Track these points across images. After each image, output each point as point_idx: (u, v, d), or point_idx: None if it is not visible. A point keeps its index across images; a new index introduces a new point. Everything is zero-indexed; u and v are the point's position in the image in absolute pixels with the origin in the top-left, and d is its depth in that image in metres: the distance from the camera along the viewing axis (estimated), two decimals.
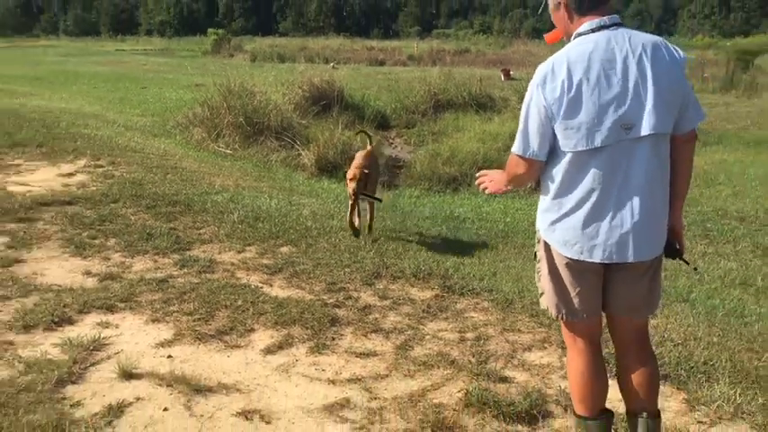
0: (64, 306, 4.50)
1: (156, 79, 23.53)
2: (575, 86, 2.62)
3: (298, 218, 6.96)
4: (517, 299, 5.05)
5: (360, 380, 3.81)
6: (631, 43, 2.66)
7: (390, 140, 15.91)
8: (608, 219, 2.71)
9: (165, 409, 3.42)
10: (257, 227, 6.52)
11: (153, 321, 4.42)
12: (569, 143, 2.67)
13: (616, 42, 2.67)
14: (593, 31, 2.72)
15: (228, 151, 12.27)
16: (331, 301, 4.86)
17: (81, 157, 9.05)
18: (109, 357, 3.90)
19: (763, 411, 3.53)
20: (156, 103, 17.26)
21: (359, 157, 7.07)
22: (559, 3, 2.82)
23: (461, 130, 15.41)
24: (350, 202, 6.64)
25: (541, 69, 2.72)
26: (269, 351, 4.10)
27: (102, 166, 8.60)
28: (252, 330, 4.36)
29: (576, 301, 2.87)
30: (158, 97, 18.33)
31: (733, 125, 16.49)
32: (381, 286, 5.24)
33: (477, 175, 3.26)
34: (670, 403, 3.65)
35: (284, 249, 5.98)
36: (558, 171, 2.75)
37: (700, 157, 13.02)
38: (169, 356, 3.97)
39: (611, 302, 2.91)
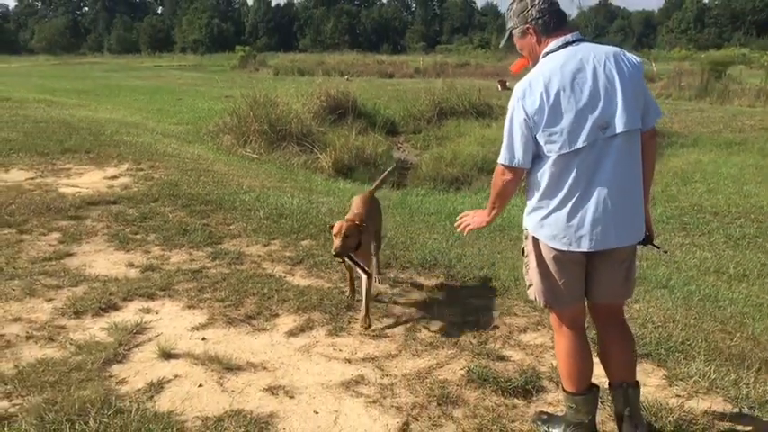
0: (110, 294, 4.53)
1: (190, 92, 23.59)
2: (552, 96, 2.66)
3: (317, 215, 6.96)
4: (513, 286, 5.03)
5: (373, 359, 3.81)
6: (596, 54, 2.73)
7: (399, 145, 15.90)
8: (591, 211, 2.72)
9: (200, 386, 3.44)
10: (281, 223, 6.53)
11: (189, 307, 4.44)
12: (553, 147, 2.69)
13: (583, 55, 2.73)
14: (560, 48, 2.78)
15: (255, 155, 12.29)
16: (347, 288, 4.87)
17: (124, 161, 9.09)
18: (150, 340, 3.93)
19: (735, 386, 3.51)
20: (189, 113, 17.30)
21: (356, 203, 4.95)
22: (527, 29, 2.86)
23: (463, 135, 15.39)
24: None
25: (520, 86, 2.75)
26: (292, 333, 4.11)
27: (142, 170, 8.63)
28: (276, 315, 4.37)
29: (562, 290, 2.87)
30: (192, 108, 18.36)
31: (707, 129, 16.36)
32: (392, 275, 5.24)
33: (458, 218, 3.22)
34: (651, 379, 3.64)
35: (305, 243, 5.98)
36: (544, 173, 2.75)
37: (677, 157, 12.98)
38: (203, 339, 3.99)
39: (593, 290, 2.91)
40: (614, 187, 2.71)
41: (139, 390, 3.35)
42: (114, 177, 8.18)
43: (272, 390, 3.42)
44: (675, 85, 24.93)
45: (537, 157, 2.77)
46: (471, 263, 5.61)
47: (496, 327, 4.30)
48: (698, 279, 6.27)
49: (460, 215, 3.21)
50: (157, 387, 3.39)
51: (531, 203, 2.86)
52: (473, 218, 3.12)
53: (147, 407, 3.18)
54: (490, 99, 18.78)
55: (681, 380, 3.61)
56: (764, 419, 3.26)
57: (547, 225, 2.78)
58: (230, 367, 3.63)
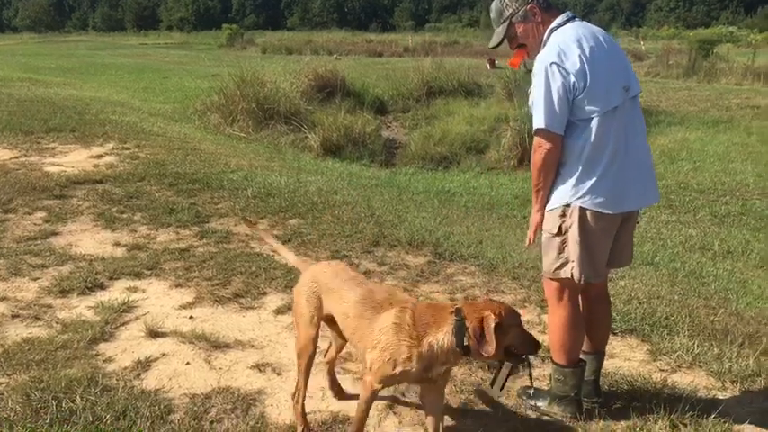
0: (96, 273, 4.51)
1: (176, 70, 23.33)
2: (589, 58, 2.70)
3: (305, 193, 6.94)
4: (500, 263, 5.06)
5: None
6: (594, 28, 2.85)
7: (388, 124, 15.83)
8: (633, 170, 2.82)
9: (188, 363, 3.44)
10: (269, 202, 6.51)
11: (176, 286, 4.43)
12: (595, 109, 2.72)
13: (587, 27, 2.83)
14: (566, 22, 2.83)
15: (242, 135, 12.21)
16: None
17: (109, 140, 9.00)
18: (137, 318, 3.92)
19: (718, 360, 3.55)
20: (176, 91, 17.12)
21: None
22: (530, 9, 2.86)
23: (451, 114, 15.33)
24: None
25: (552, 51, 2.72)
26: (280, 311, 4.11)
27: (128, 149, 8.55)
28: (264, 293, 4.37)
29: (602, 260, 2.90)
30: (178, 86, 18.18)
31: (694, 107, 16.40)
32: (380, 254, 5.24)
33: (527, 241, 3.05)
34: (635, 353, 3.68)
35: (293, 221, 5.97)
36: (587, 139, 2.74)
37: (664, 136, 13.00)
38: (191, 317, 3.98)
39: (616, 255, 2.97)
40: (642, 146, 2.90)
41: (126, 368, 3.35)
42: (100, 156, 8.10)
43: (259, 367, 3.43)
44: (663, 64, 24.93)
45: (572, 124, 2.76)
46: (459, 241, 5.62)
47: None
48: (683, 256, 6.32)
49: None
50: (144, 365, 3.39)
51: (572, 174, 2.79)
52: (530, 225, 2.99)
53: (134, 384, 3.18)
54: (479, 78, 18.70)
55: (665, 354, 3.65)
56: (746, 393, 3.30)
57: (597, 190, 2.76)
58: (218, 345, 3.63)
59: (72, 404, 2.93)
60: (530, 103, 2.87)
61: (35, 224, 5.51)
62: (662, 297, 4.53)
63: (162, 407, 2.99)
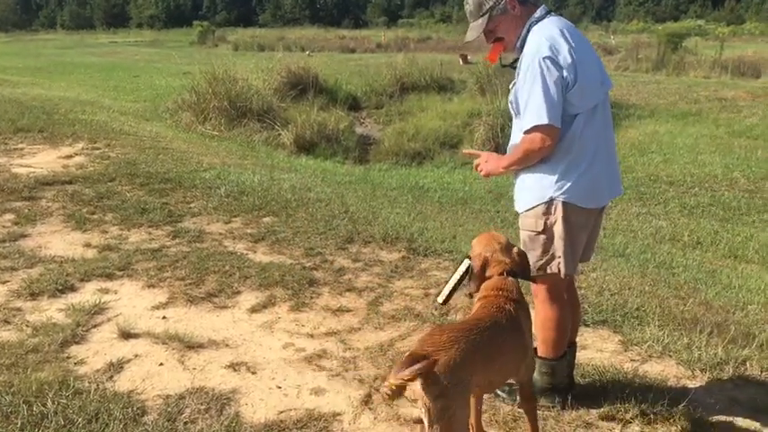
0: (66, 275, 4.45)
1: (147, 68, 23.09)
2: (577, 51, 2.70)
3: (279, 191, 6.91)
4: None
5: (335, 333, 3.82)
6: (569, 24, 2.85)
7: (361, 120, 15.83)
8: (609, 164, 2.88)
9: (161, 364, 3.41)
10: (242, 200, 6.47)
11: (149, 287, 4.39)
12: (582, 104, 2.72)
13: (563, 22, 2.83)
14: (543, 17, 2.83)
15: (215, 133, 12.12)
16: (309, 264, 4.86)
17: (79, 140, 8.87)
18: (109, 320, 3.87)
19: (687, 349, 3.61)
20: (147, 90, 16.94)
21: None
22: (506, 5, 2.81)
23: (425, 109, 15.38)
24: None
25: (543, 44, 2.68)
26: (254, 310, 4.09)
27: (98, 149, 8.44)
28: (238, 292, 4.35)
29: (581, 252, 2.93)
30: (149, 85, 17.99)
31: (664, 100, 16.62)
32: (354, 250, 5.25)
33: (476, 161, 3.04)
34: (607, 344, 3.72)
35: (267, 220, 5.95)
36: (575, 134, 2.74)
37: (634, 129, 13.17)
38: (164, 317, 3.95)
39: (587, 249, 3.02)
40: (613, 140, 2.95)
41: (98, 370, 3.31)
42: (69, 157, 7.99)
43: (234, 366, 3.41)
44: (633, 58, 25.21)
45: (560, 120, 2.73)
46: (433, 236, 5.64)
47: (457, 299, 4.33)
48: (653, 247, 6.41)
49: (477, 157, 3.06)
50: (117, 367, 3.36)
51: (556, 170, 2.76)
52: (487, 163, 2.98)
53: (107, 387, 3.15)
54: (452, 73, 18.77)
55: (636, 345, 3.71)
56: (715, 381, 3.36)
57: (580, 185, 2.75)
58: (192, 345, 3.60)
59: (43, 408, 2.90)
60: (510, 98, 2.84)
61: (3, 226, 5.42)
62: (633, 288, 4.59)
63: (135, 408, 2.97)
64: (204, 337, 3.72)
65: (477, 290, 2.66)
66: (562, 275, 2.87)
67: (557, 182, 2.76)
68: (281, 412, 3.01)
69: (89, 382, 3.16)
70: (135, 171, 7.26)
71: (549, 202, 2.79)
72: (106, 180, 6.88)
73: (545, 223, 2.82)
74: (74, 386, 3.09)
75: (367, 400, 3.13)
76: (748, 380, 3.37)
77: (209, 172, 7.66)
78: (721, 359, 3.52)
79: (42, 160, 7.76)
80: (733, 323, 4.05)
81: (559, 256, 2.84)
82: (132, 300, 4.18)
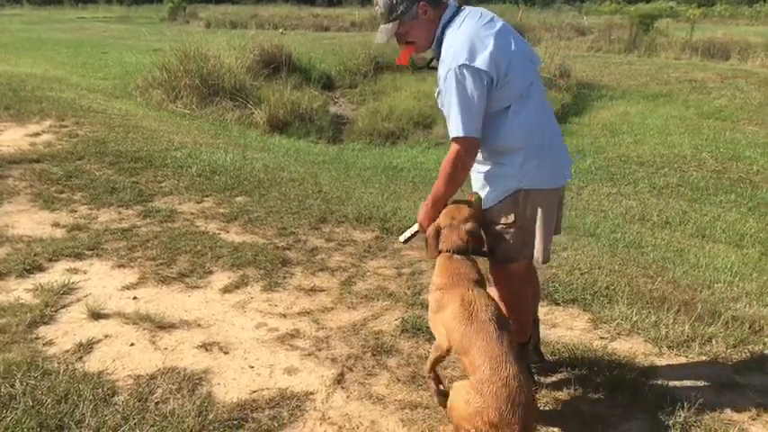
0: (34, 255, 4.37)
1: (116, 45, 22.60)
2: (498, 44, 2.63)
3: (251, 171, 6.85)
4: None
5: (308, 313, 3.82)
6: (481, 10, 2.81)
7: (335, 99, 15.70)
8: (557, 141, 2.85)
9: (132, 345, 3.38)
10: (214, 179, 6.40)
11: (119, 267, 4.33)
12: (517, 90, 2.66)
13: (476, 13, 2.78)
14: (455, 14, 2.77)
15: (186, 111, 11.93)
16: (282, 244, 4.84)
17: (47, 118, 8.68)
18: (78, 300, 3.82)
19: (655, 327, 3.68)
20: (116, 67, 16.60)
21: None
22: (420, 7, 2.74)
23: (399, 89, 15.30)
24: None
25: (459, 51, 2.60)
26: (226, 290, 4.07)
27: (66, 126, 8.26)
28: (210, 272, 4.32)
29: (552, 234, 2.93)
30: (118, 62, 17.62)
31: (635, 81, 16.76)
32: (327, 230, 5.23)
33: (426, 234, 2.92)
34: (577, 322, 3.77)
35: (239, 199, 5.89)
36: (514, 123, 2.66)
37: (606, 110, 13.28)
38: (134, 298, 3.91)
39: (556, 224, 3.01)
40: (552, 114, 2.92)
41: (68, 351, 3.27)
42: (36, 134, 7.81)
43: (206, 346, 3.40)
44: (606, 39, 25.33)
45: (502, 113, 2.67)
46: (406, 216, 5.64)
47: (430, 278, 4.35)
48: (623, 227, 6.49)
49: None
50: (87, 347, 3.32)
51: (515, 160, 2.70)
52: (423, 217, 2.92)
53: (77, 367, 3.11)
54: (426, 53, 18.71)
55: (605, 323, 3.76)
56: (682, 357, 3.43)
57: (541, 168, 2.71)
58: (163, 325, 3.57)
59: (11, 389, 2.86)
60: (439, 105, 2.76)
61: None
62: (603, 267, 4.65)
63: (105, 389, 2.94)
64: (176, 317, 3.69)
65: (434, 256, 2.81)
66: (541, 261, 2.86)
67: (519, 171, 2.70)
68: (254, 392, 3.00)
69: (58, 363, 3.12)
70: (104, 150, 7.14)
71: (516, 193, 2.74)
72: (75, 159, 6.75)
73: (515, 214, 2.77)
74: (43, 367, 3.05)
75: (339, 380, 3.14)
76: (714, 357, 3.44)
77: (181, 151, 7.56)
78: (688, 336, 3.59)
79: (9, 138, 7.58)
80: (700, 301, 4.12)
81: (533, 243, 2.83)
82: (102, 280, 4.13)
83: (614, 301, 4.01)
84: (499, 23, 2.74)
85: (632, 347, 3.50)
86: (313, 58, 17.33)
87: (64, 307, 3.74)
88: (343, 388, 3.08)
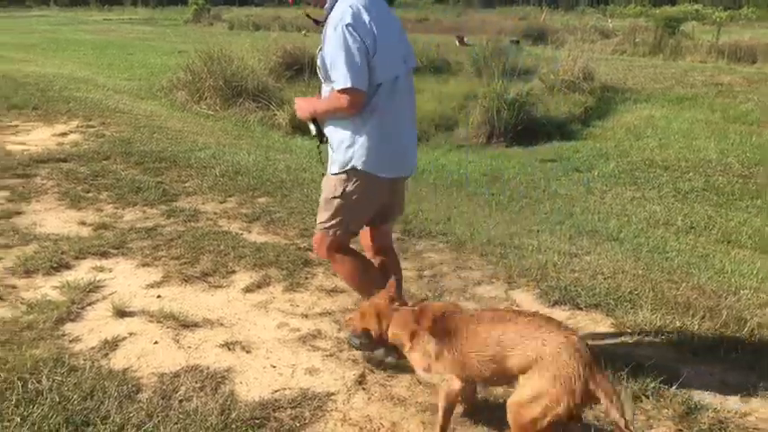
0: (61, 253, 4.44)
1: (142, 46, 22.86)
2: (377, 24, 2.84)
3: (274, 171, 6.89)
4: (468, 240, 5.09)
5: (329, 314, 3.83)
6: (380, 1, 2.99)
7: None
8: (407, 138, 3.08)
9: (156, 342, 3.42)
10: (237, 180, 6.45)
11: (143, 265, 4.38)
12: (382, 76, 2.86)
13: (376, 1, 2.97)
14: None
15: (210, 112, 12.04)
16: (304, 245, 4.86)
17: (74, 118, 8.82)
18: (104, 298, 3.87)
19: (680, 333, 3.63)
20: (141, 68, 16.80)
21: None
22: None
23: (420, 91, 15.21)
24: None
25: (345, 13, 2.80)
26: (249, 290, 4.10)
27: (93, 127, 8.39)
28: (233, 272, 4.35)
29: (367, 217, 3.17)
30: (144, 63, 17.83)
31: (660, 85, 16.58)
32: None
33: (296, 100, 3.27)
34: (600, 328, 3.74)
35: (261, 200, 5.93)
36: (375, 105, 2.89)
37: (630, 113, 13.16)
38: (158, 296, 3.95)
39: (387, 213, 3.27)
40: (412, 117, 3.14)
41: (93, 348, 3.32)
42: (64, 134, 7.94)
43: (228, 345, 3.42)
44: (630, 42, 25.09)
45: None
46: (428, 218, 5.64)
47: (451, 280, 4.36)
48: (647, 231, 6.42)
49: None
50: (112, 345, 3.36)
51: (358, 139, 2.92)
52: (299, 108, 3.19)
53: (102, 364, 3.16)
54: (448, 54, 18.66)
55: (628, 328, 3.72)
56: (707, 365, 3.39)
57: (381, 155, 2.94)
58: (186, 324, 3.61)
59: (38, 385, 2.90)
60: (318, 63, 2.95)
61: None
62: (626, 272, 4.61)
63: (130, 386, 2.98)
64: (199, 316, 3.72)
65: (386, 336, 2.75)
66: (344, 235, 3.14)
67: (359, 150, 2.93)
68: (276, 391, 3.02)
69: (84, 360, 3.17)
70: (130, 150, 7.23)
71: (351, 170, 2.97)
72: (101, 158, 6.85)
73: (343, 189, 3.02)
74: (69, 363, 3.10)
75: (361, 380, 3.15)
76: (739, 364, 3.39)
77: (205, 151, 7.63)
78: (713, 343, 3.54)
79: (37, 138, 7.72)
80: (725, 308, 4.06)
81: (345, 220, 3.06)
82: (127, 278, 4.18)
83: (638, 307, 3.97)
84: (384, 8, 2.98)
85: (656, 353, 3.46)
86: None
87: (90, 304, 3.79)
88: (364, 389, 3.09)
